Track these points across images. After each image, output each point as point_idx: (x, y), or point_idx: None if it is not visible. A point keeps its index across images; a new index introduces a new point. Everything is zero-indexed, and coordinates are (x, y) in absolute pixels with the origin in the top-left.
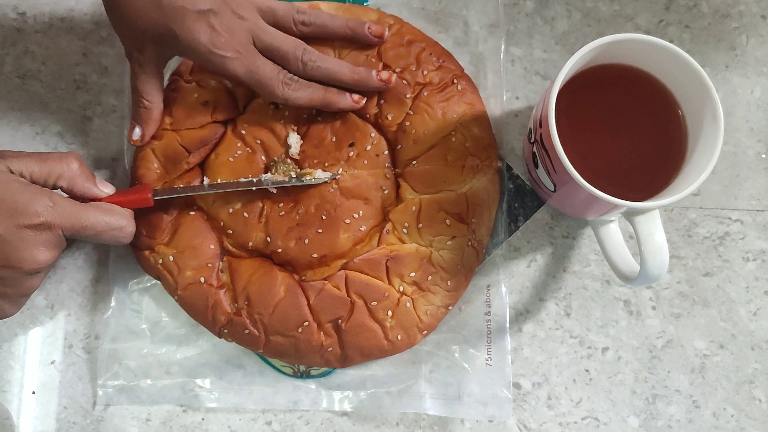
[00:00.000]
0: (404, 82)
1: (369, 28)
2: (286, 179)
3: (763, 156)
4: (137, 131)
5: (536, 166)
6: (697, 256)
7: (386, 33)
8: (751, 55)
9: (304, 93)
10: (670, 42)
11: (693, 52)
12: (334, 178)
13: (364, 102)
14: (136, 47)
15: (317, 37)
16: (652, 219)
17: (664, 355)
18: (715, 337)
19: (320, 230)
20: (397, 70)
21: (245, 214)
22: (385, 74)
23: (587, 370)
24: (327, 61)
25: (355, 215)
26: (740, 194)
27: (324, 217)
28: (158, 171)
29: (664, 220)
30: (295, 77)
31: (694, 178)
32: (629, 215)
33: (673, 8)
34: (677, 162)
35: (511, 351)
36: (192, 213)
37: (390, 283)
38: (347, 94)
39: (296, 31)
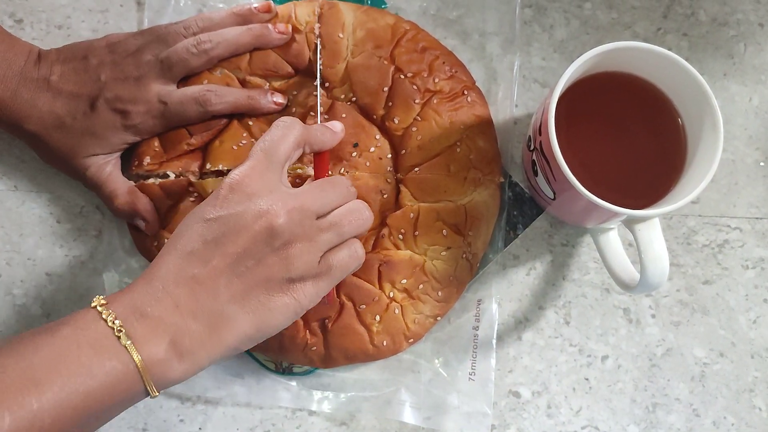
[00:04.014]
0: (414, 87)
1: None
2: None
3: (762, 164)
4: (142, 224)
5: (535, 174)
6: (697, 264)
7: (288, 28)
8: (749, 63)
9: (228, 98)
10: (669, 50)
11: (691, 60)
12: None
13: (285, 103)
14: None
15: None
16: (652, 227)
17: (663, 363)
18: (715, 346)
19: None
20: (409, 74)
21: None
22: (281, 26)
23: (587, 379)
24: (220, 34)
25: None
26: (739, 202)
27: None
28: (157, 149)
29: (663, 227)
30: (212, 87)
31: (693, 185)
32: (629, 223)
33: (671, 16)
34: (677, 170)
35: (511, 359)
36: (192, 200)
37: (381, 287)
38: (268, 94)
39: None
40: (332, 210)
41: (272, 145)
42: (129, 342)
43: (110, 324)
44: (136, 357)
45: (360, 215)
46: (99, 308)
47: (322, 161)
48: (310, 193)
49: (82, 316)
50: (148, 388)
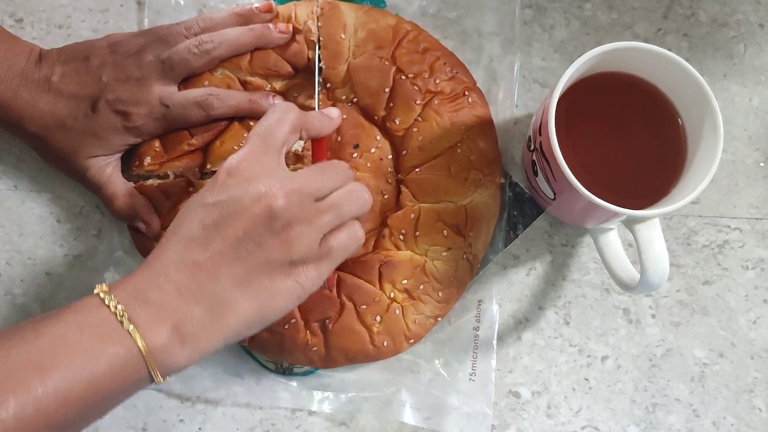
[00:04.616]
0: (415, 88)
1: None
2: None
3: (762, 164)
4: (142, 226)
5: (535, 174)
6: (697, 264)
7: (289, 27)
8: (749, 64)
9: (230, 102)
10: (669, 51)
11: (691, 61)
12: None
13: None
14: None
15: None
16: (652, 227)
17: (663, 363)
18: (715, 346)
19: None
20: (410, 75)
21: None
22: (282, 25)
23: (587, 379)
24: (222, 34)
25: None
26: (739, 202)
27: None
28: (157, 149)
29: (663, 228)
30: (214, 91)
31: (694, 186)
32: (629, 223)
33: (671, 17)
34: (677, 170)
35: (511, 359)
36: None
37: (381, 288)
38: (270, 97)
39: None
40: (331, 192)
41: (268, 129)
42: (132, 327)
43: (113, 309)
44: (140, 342)
45: (359, 196)
46: (102, 294)
47: (319, 147)
48: (308, 176)
49: (84, 302)
50: (152, 373)
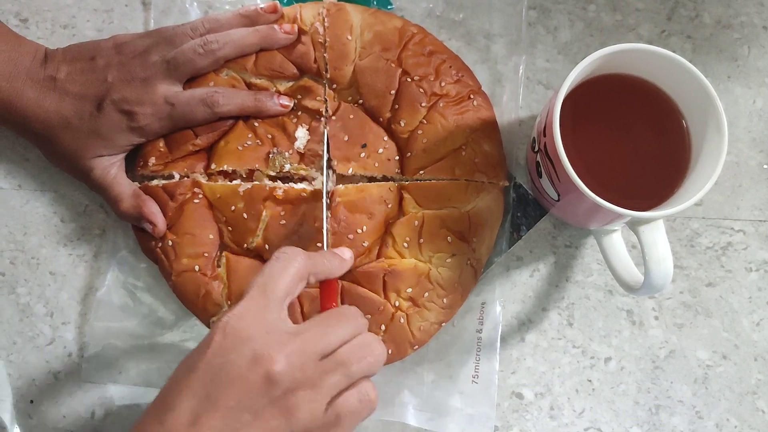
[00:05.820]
0: (421, 90)
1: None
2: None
3: (765, 166)
4: (149, 227)
5: (540, 176)
6: (700, 266)
7: (294, 28)
8: (753, 66)
9: (235, 100)
10: (673, 52)
11: (695, 63)
12: (331, 182)
13: (291, 106)
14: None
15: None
16: (656, 229)
17: (666, 365)
18: (718, 348)
19: (319, 244)
20: (416, 78)
21: (245, 215)
22: (287, 26)
23: (590, 380)
24: (227, 35)
25: (359, 230)
26: (743, 204)
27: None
28: (162, 149)
29: (667, 230)
30: (219, 89)
31: (698, 188)
32: (633, 225)
33: (675, 19)
34: (681, 172)
35: (514, 361)
36: (197, 201)
37: (386, 297)
38: (275, 97)
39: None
40: (339, 346)
41: (271, 279)
42: None
43: None
44: None
45: (371, 351)
46: None
47: (328, 290)
48: (312, 332)
49: None
50: None
